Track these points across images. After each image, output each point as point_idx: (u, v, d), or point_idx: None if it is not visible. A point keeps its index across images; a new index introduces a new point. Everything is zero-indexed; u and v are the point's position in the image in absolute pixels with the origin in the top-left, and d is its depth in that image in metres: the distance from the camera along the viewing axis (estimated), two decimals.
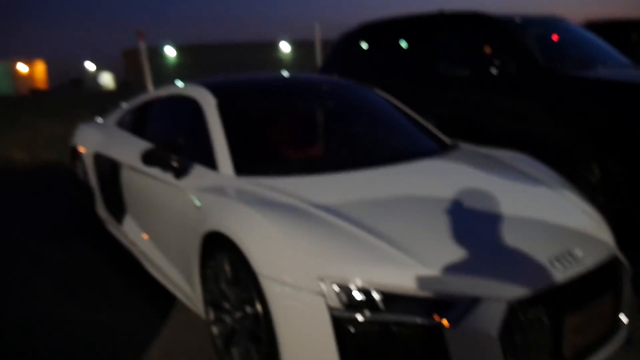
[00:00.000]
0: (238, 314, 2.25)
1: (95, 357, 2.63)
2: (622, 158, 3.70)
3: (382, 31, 5.91)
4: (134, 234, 3.43)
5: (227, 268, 2.25)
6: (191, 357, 2.59)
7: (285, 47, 59.53)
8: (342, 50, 6.45)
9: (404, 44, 5.57)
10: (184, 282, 2.75)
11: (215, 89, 3.11)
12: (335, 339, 1.84)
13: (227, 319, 2.34)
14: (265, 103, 3.24)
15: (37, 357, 2.62)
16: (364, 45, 6.09)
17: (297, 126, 3.27)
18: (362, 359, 1.85)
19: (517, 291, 1.85)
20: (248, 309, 2.15)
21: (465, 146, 3.25)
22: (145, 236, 3.29)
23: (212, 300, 2.45)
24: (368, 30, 6.12)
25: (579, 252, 2.08)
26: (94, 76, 68.98)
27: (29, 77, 58.97)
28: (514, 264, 1.97)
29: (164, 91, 3.70)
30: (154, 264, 3.15)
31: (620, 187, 3.76)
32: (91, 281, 3.54)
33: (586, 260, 2.07)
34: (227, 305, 2.34)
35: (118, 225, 3.70)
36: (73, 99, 23.64)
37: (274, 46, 59.94)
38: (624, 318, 2.24)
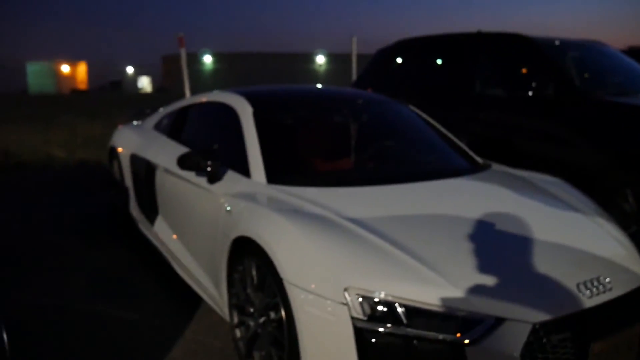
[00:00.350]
0: (262, 319, 2.29)
1: (120, 352, 2.69)
2: None
3: (419, 48, 5.93)
4: (165, 235, 3.51)
5: (254, 273, 2.30)
6: (213, 358, 2.63)
7: (320, 59, 60.02)
8: (378, 65, 6.49)
9: (440, 61, 5.59)
10: (211, 285, 2.81)
11: (252, 98, 3.18)
12: (356, 349, 1.86)
13: (251, 323, 2.38)
14: (299, 114, 3.30)
15: (66, 350, 2.70)
16: (401, 61, 6.12)
17: (330, 138, 3.31)
18: None
19: (541, 314, 1.84)
20: (272, 315, 2.18)
21: (497, 167, 3.24)
22: (175, 237, 3.37)
23: (237, 304, 2.49)
24: (405, 46, 6.15)
25: (607, 280, 2.06)
26: (132, 79, 70.67)
27: (71, 77, 60.75)
28: (541, 287, 1.96)
29: (202, 97, 3.80)
30: (182, 265, 3.21)
31: None
32: (121, 279, 3.63)
33: (615, 288, 2.04)
34: (251, 310, 2.38)
35: (150, 226, 3.79)
36: (111, 100, 24.25)
37: (310, 58, 60.52)
38: None
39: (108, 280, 3.60)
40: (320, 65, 60.15)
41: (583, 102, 4.16)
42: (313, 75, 56.68)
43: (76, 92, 45.82)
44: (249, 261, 2.33)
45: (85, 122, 12.60)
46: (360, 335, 1.85)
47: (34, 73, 55.47)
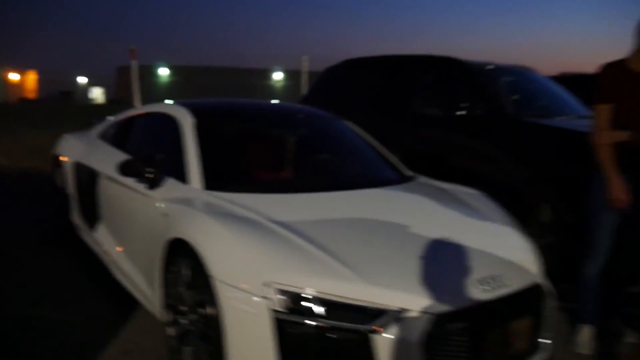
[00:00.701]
0: (193, 316, 2.43)
1: (59, 353, 2.77)
2: (569, 201, 3.96)
3: (364, 68, 6.22)
4: (105, 240, 3.59)
5: (186, 272, 2.44)
6: (145, 356, 2.75)
7: (278, 75, 60.42)
8: (325, 82, 6.75)
9: (382, 81, 5.88)
10: (146, 286, 2.93)
11: (194, 110, 3.34)
12: (275, 339, 2.03)
13: (183, 320, 2.51)
14: (239, 126, 3.49)
15: (3, 352, 2.75)
16: (347, 80, 6.39)
17: (267, 149, 3.50)
18: (300, 359, 2.05)
19: (441, 306, 2.07)
20: (202, 311, 2.33)
21: (424, 179, 3.50)
22: (114, 242, 3.46)
23: (170, 303, 2.62)
24: (351, 65, 6.44)
25: (503, 278, 2.31)
26: (84, 90, 69.11)
27: (20, 86, 58.96)
28: (443, 282, 2.19)
29: (147, 108, 3.93)
30: (120, 269, 3.31)
31: (570, 228, 4.01)
32: (62, 284, 3.68)
33: (509, 285, 2.30)
34: (183, 308, 2.51)
35: (91, 232, 3.86)
36: (61, 110, 23.73)
37: (268, 74, 60.81)
38: (544, 340, 2.47)
39: (49, 285, 3.65)
40: (277, 82, 60.52)
41: (508, 122, 4.51)
42: (270, 91, 56.94)
43: (25, 101, 44.47)
44: (182, 261, 2.47)
45: (32, 132, 12.37)
46: (280, 326, 2.03)
47: None
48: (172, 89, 54.46)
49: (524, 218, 4.26)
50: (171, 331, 2.61)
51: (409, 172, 3.55)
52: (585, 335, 3.04)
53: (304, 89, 9.27)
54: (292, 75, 56.18)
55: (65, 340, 2.90)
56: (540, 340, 2.46)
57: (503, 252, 2.54)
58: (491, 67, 5.22)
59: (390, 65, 5.84)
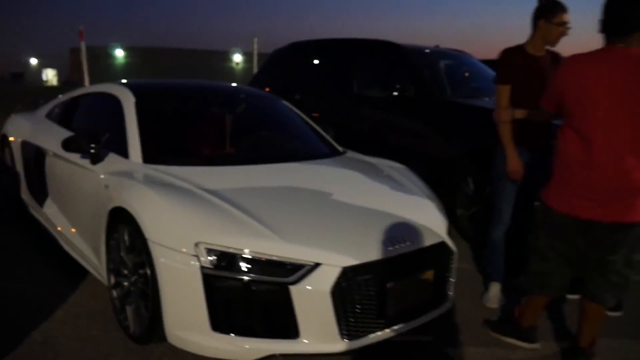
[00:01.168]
0: (133, 277, 2.68)
1: (12, 319, 2.97)
2: (488, 175, 4.35)
3: (310, 51, 6.48)
4: (53, 215, 3.78)
5: (127, 238, 2.69)
6: (93, 318, 2.98)
7: (237, 57, 59.86)
8: (273, 64, 6.98)
9: (325, 63, 6.16)
10: (92, 254, 3.15)
11: (135, 89, 3.54)
12: (204, 293, 2.31)
13: (125, 282, 2.76)
14: (177, 105, 3.72)
15: None
16: (293, 62, 6.64)
17: (203, 126, 3.74)
18: (227, 310, 2.33)
19: (349, 260, 2.38)
20: (140, 271, 2.58)
21: (353, 154, 3.80)
22: (62, 216, 3.66)
23: (114, 267, 2.86)
24: (297, 48, 6.68)
25: (408, 238, 2.64)
26: (37, 71, 66.88)
27: None
28: (352, 241, 2.50)
29: (92, 88, 4.09)
30: (68, 241, 3.51)
31: (489, 199, 4.41)
32: (13, 257, 3.86)
33: (412, 245, 2.63)
34: (125, 272, 2.76)
35: (40, 208, 4.03)
36: (11, 92, 23.07)
37: (227, 56, 60.16)
38: (450, 293, 2.83)
39: (2, 258, 3.82)
40: (237, 64, 59.99)
41: (436, 102, 4.87)
42: (229, 73, 56.44)
43: None
44: (122, 228, 2.71)
45: None
46: (208, 281, 2.31)
47: None
48: (127, 71, 53.30)
49: (453, 191, 4.67)
50: (115, 293, 2.86)
51: (339, 148, 3.85)
52: (493, 291, 3.43)
53: (256, 70, 9.46)
54: (252, 58, 55.80)
55: (18, 307, 3.10)
56: (446, 293, 2.83)
57: (413, 216, 2.86)
58: (427, 50, 5.56)
59: (333, 48, 6.12)
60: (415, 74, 5.10)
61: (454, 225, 4.75)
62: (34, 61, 67.87)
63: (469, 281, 3.71)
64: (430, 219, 2.93)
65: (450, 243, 2.87)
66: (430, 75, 5.26)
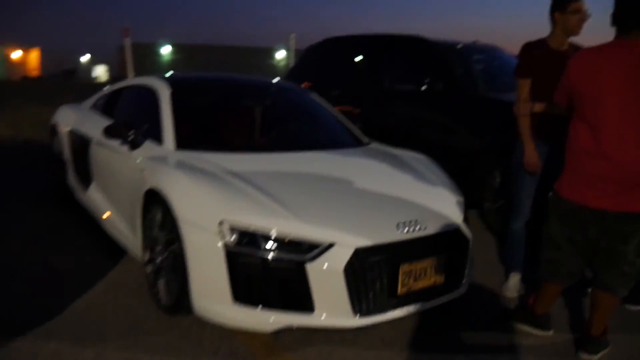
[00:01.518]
0: (165, 254, 2.89)
1: (56, 287, 3.25)
2: None
3: (342, 46, 6.62)
4: (95, 198, 4.07)
5: (159, 217, 2.91)
6: (130, 290, 3.23)
7: (280, 54, 60.45)
8: (308, 59, 7.17)
9: (357, 58, 6.29)
10: (129, 234, 3.40)
11: (171, 82, 3.78)
12: (227, 268, 2.50)
13: (157, 258, 2.99)
14: (209, 96, 3.95)
15: (11, 289, 3.23)
16: (326, 57, 6.80)
17: (233, 115, 3.96)
18: (247, 284, 2.52)
19: (363, 241, 2.52)
20: (171, 248, 2.79)
21: (377, 145, 3.94)
22: (103, 199, 3.94)
23: (148, 245, 3.09)
24: (330, 44, 6.84)
25: (423, 222, 2.76)
26: (87, 68, 69.37)
27: (22, 64, 59.18)
28: (367, 223, 2.65)
29: (132, 81, 4.37)
30: (108, 222, 3.79)
31: None
32: (59, 235, 4.18)
33: (427, 228, 2.74)
34: (157, 248, 2.98)
35: (84, 192, 4.33)
36: (64, 87, 24.09)
37: (270, 52, 60.86)
38: (464, 279, 2.93)
39: (48, 236, 4.15)
40: (279, 61, 60.61)
41: (465, 96, 4.93)
42: (271, 69, 57.07)
43: (27, 79, 44.75)
44: (156, 208, 2.93)
45: (35, 107, 12.78)
46: (230, 257, 2.50)
47: None
48: (173, 67, 54.65)
49: (480, 184, 4.73)
50: (149, 268, 3.09)
51: (364, 138, 3.99)
52: (512, 281, 3.50)
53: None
54: (297, 54, 56.15)
55: (65, 278, 3.39)
56: (460, 279, 2.93)
57: (429, 203, 2.98)
58: (457, 45, 5.62)
59: (365, 43, 6.24)
60: (444, 69, 5.18)
61: (482, 218, 4.82)
62: (85, 58, 70.38)
63: (491, 271, 3.78)
64: (446, 207, 3.03)
65: (465, 231, 2.97)
66: (460, 69, 5.32)
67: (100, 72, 68.52)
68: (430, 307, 2.81)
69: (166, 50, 59.54)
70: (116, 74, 61.27)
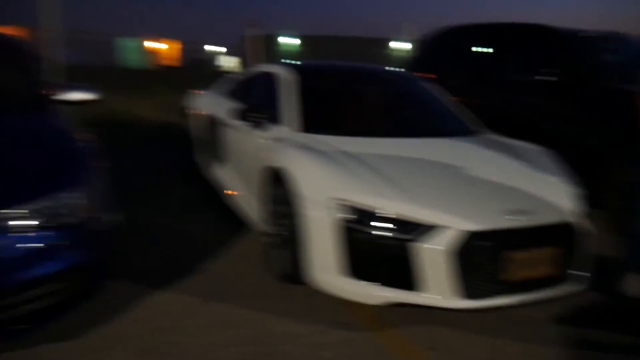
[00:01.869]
0: (282, 226, 3.14)
1: (180, 252, 3.65)
2: None
3: (461, 35, 6.53)
4: (220, 174, 4.49)
5: (279, 192, 3.16)
6: (250, 259, 3.55)
7: (395, 45, 59.84)
8: (426, 49, 7.15)
9: (478, 48, 6.18)
10: (250, 207, 3.73)
11: (298, 69, 4.06)
12: (340, 243, 2.69)
13: (276, 230, 3.25)
14: (332, 83, 4.18)
15: (146, 250, 3.68)
16: (445, 46, 6.75)
17: (352, 101, 4.13)
18: (358, 259, 2.68)
19: (471, 225, 2.58)
20: (288, 221, 3.03)
21: (490, 134, 3.92)
22: (227, 175, 4.35)
23: (267, 218, 3.37)
24: (449, 33, 6.77)
25: (532, 212, 2.74)
26: (218, 57, 73.49)
27: (161, 53, 64.19)
28: (477, 209, 2.69)
29: (259, 68, 4.73)
30: (231, 195, 4.16)
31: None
32: (186, 206, 4.69)
33: (535, 219, 2.72)
34: (277, 221, 3.24)
35: (210, 168, 4.78)
36: (191, 76, 25.91)
37: (386, 43, 60.45)
38: (577, 273, 2.87)
39: (181, 206, 4.68)
40: (408, 52, 59.86)
41: (591, 88, 4.69)
42: (398, 61, 56.48)
43: (166, 68, 48.54)
44: (277, 184, 3.19)
45: (171, 92, 14.00)
46: (343, 233, 2.68)
47: (126, 48, 59.01)
48: (296, 57, 56.18)
49: (603, 181, 4.48)
50: (267, 239, 3.37)
51: (478, 127, 3.98)
52: (632, 280, 3.33)
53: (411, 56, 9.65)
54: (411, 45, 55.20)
55: (187, 244, 3.81)
56: (571, 272, 2.86)
57: (540, 194, 2.94)
58: (582, 34, 5.32)
59: (485, 32, 6.11)
60: (570, 58, 4.95)
61: (609, 218, 4.55)
62: (215, 48, 74.70)
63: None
64: (558, 199, 2.96)
65: (581, 225, 2.89)
66: (589, 59, 5.04)
67: (229, 62, 72.16)
68: (543, 299, 2.78)
69: (290, 41, 61.34)
70: (240, 64, 64.35)
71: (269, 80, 4.30)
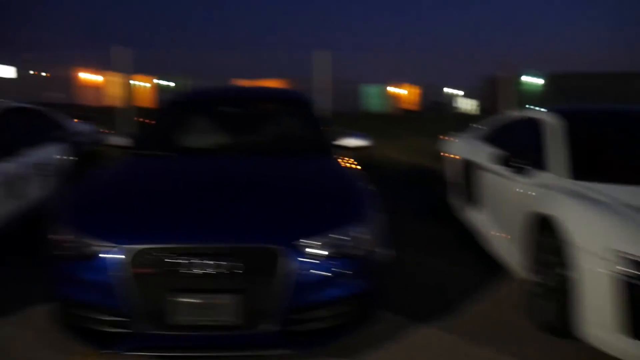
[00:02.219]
0: (551, 275, 3.03)
1: (443, 290, 3.79)
2: None
3: None
4: (477, 216, 4.54)
5: (547, 240, 3.09)
6: (510, 304, 3.52)
7: None
8: None
9: None
10: (513, 252, 3.70)
11: (564, 114, 3.94)
12: (620, 297, 2.51)
13: (540, 278, 3.17)
14: (603, 128, 3.95)
15: (404, 284, 3.84)
16: None
17: (628, 147, 3.81)
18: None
19: None
20: (559, 271, 2.91)
21: None
22: (484, 218, 4.38)
23: (534, 265, 3.30)
24: None
25: None
26: (455, 100, 73.62)
27: (401, 98, 66.99)
28: None
29: (517, 114, 4.73)
30: (489, 238, 4.19)
31: None
32: (439, 244, 4.86)
33: None
34: (544, 270, 3.15)
35: (464, 209, 4.87)
36: (436, 119, 26.41)
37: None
38: None
39: (431, 244, 4.88)
40: None
41: None
42: None
43: (407, 112, 50.46)
44: (544, 232, 3.13)
45: (414, 137, 14.58)
46: (624, 286, 2.50)
47: (369, 94, 62.86)
48: (542, 97, 53.02)
49: None
50: (533, 288, 3.28)
51: None
52: None
53: None
54: None
55: (449, 281, 3.94)
56: None
57: None
58: None
59: None
60: None
61: None
62: (452, 91, 75.10)
63: None
64: None
65: None
66: None
67: (467, 104, 71.67)
68: None
69: (533, 81, 58.25)
70: (482, 107, 63.08)
71: (531, 126, 4.24)
